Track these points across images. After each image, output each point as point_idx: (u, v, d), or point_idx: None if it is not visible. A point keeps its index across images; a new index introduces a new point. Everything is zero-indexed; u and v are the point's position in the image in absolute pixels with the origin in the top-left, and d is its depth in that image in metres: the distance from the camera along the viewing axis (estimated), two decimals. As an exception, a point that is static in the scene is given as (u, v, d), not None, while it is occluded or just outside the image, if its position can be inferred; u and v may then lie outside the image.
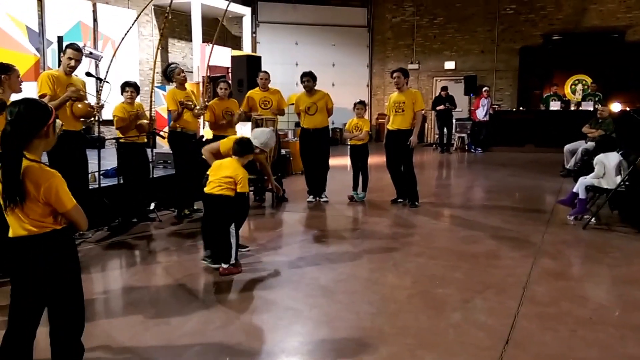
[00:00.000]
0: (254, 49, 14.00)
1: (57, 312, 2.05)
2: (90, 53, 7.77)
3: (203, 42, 11.36)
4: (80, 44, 8.23)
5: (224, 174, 3.86)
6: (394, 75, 6.18)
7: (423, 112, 6.27)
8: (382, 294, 3.52)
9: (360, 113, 6.57)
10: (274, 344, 2.79)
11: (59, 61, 4.85)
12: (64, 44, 7.50)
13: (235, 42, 14.01)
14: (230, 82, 7.35)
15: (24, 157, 1.93)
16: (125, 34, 5.70)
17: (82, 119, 4.73)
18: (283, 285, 3.70)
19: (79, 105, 4.52)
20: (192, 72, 11.59)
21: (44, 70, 8.61)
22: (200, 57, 11.11)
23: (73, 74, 4.67)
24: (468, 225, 5.37)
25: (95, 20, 10.20)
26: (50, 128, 2.02)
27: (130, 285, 3.75)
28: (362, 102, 6.68)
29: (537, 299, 3.36)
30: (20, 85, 3.81)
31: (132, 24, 5.89)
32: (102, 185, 5.46)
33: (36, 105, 2.04)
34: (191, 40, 11.76)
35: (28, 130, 1.96)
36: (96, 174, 5.50)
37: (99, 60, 6.47)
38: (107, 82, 4.97)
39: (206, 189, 3.95)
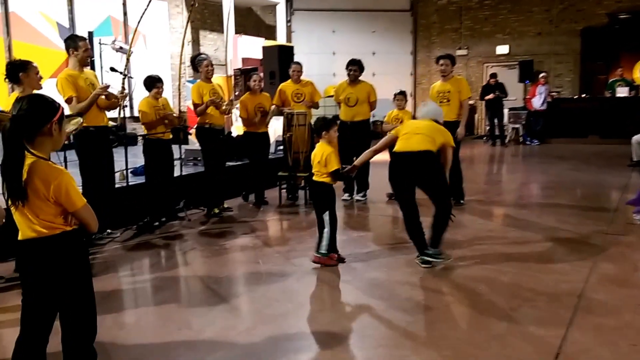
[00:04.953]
0: (288, 38, 14.04)
1: (68, 318, 2.09)
2: (121, 48, 8.02)
3: (236, 33, 11.49)
4: (111, 39, 8.56)
5: (316, 161, 4.08)
6: (441, 62, 6.03)
7: (471, 101, 6.09)
8: (418, 300, 3.43)
9: (401, 104, 6.54)
10: (301, 350, 2.77)
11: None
12: (95, 39, 7.80)
13: (269, 31, 14.10)
14: (262, 74, 7.39)
15: (30, 153, 1.96)
16: (140, 19, 5.78)
17: (107, 110, 4.90)
18: (312, 288, 3.68)
19: (103, 97, 4.68)
20: (224, 65, 11.75)
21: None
22: (233, 49, 11.25)
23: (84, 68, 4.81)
24: (519, 225, 5.18)
25: (125, 14, 10.51)
26: (55, 125, 2.02)
27: (155, 287, 3.83)
28: (402, 93, 6.61)
29: (594, 309, 3.18)
30: (40, 81, 3.94)
31: (146, 9, 5.98)
32: (130, 183, 5.62)
33: (39, 101, 2.05)
34: (223, 32, 11.92)
35: (28, 127, 1.97)
36: (124, 172, 5.67)
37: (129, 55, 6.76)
38: (130, 77, 5.10)
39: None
